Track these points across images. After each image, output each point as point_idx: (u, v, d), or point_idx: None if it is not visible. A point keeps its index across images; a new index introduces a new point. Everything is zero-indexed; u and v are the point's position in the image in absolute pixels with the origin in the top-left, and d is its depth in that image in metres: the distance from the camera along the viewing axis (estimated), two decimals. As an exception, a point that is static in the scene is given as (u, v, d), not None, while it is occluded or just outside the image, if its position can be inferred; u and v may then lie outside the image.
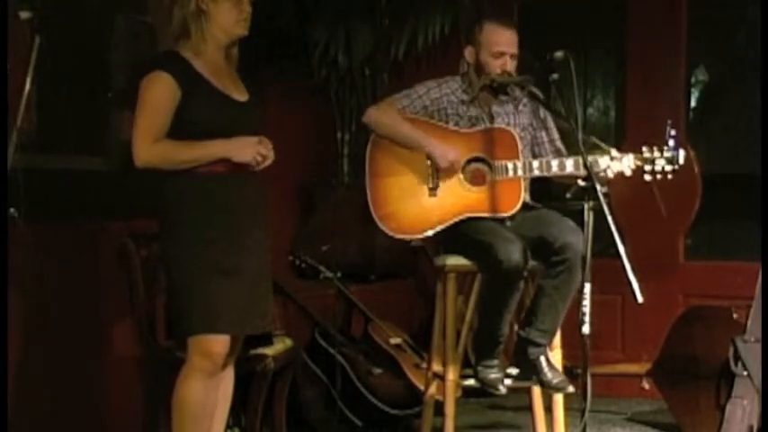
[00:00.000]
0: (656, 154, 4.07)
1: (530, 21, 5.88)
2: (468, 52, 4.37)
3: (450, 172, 4.24)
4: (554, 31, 6.07)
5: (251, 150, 3.61)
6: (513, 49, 4.31)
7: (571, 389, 4.21)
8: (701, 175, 5.64)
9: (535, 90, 4.19)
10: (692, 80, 6.19)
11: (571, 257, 4.08)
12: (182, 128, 3.57)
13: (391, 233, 4.29)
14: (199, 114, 3.59)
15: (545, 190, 4.56)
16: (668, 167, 4.08)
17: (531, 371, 4.24)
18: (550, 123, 4.39)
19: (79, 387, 4.25)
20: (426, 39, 5.92)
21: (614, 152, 4.11)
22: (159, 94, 3.56)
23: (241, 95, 3.71)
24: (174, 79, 3.56)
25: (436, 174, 4.28)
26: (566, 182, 4.12)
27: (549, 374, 4.22)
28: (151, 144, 3.55)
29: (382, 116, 4.34)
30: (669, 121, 4.07)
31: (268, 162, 3.69)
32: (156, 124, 3.56)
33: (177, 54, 3.63)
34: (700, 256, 6.03)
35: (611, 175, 4.09)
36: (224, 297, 3.57)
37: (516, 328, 4.32)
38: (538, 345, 4.22)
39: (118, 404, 4.41)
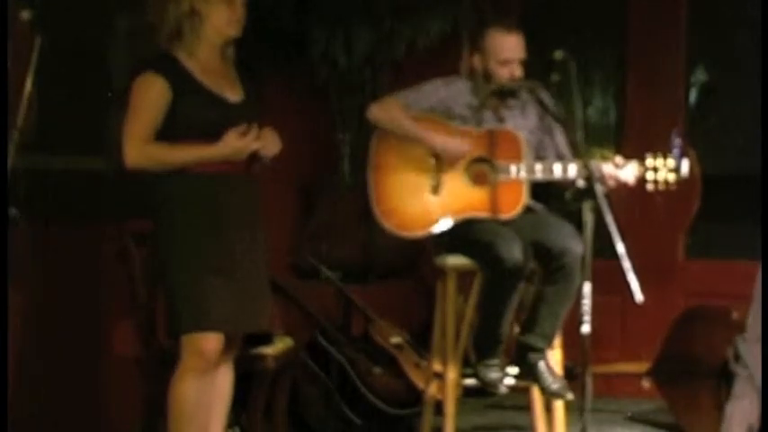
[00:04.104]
0: (659, 162, 4.05)
1: (530, 21, 5.87)
2: (476, 60, 4.32)
3: (456, 164, 4.21)
4: (554, 31, 6.06)
5: (244, 152, 3.60)
6: (520, 55, 4.27)
7: (570, 395, 4.20)
8: (701, 175, 5.63)
9: (543, 95, 4.16)
10: (692, 80, 6.18)
11: (570, 263, 4.08)
12: (172, 128, 3.58)
13: (392, 230, 4.28)
14: (189, 115, 3.59)
15: (544, 190, 4.56)
16: (671, 177, 4.06)
17: (530, 376, 4.25)
18: (557, 128, 4.34)
19: (79, 387, 4.26)
20: (426, 39, 5.91)
21: (618, 159, 4.09)
22: (150, 96, 3.57)
23: (235, 96, 3.70)
24: (164, 80, 3.57)
25: (439, 171, 4.27)
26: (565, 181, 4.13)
27: (548, 380, 4.22)
28: (142, 145, 3.56)
29: (385, 111, 4.32)
30: (675, 129, 4.05)
31: (275, 150, 3.68)
32: (146, 125, 3.57)
33: (168, 55, 3.64)
34: (700, 256, 6.02)
35: (613, 184, 4.08)
36: (214, 295, 3.57)
37: (517, 328, 4.33)
38: (537, 350, 4.22)
39: (118, 404, 4.42)
